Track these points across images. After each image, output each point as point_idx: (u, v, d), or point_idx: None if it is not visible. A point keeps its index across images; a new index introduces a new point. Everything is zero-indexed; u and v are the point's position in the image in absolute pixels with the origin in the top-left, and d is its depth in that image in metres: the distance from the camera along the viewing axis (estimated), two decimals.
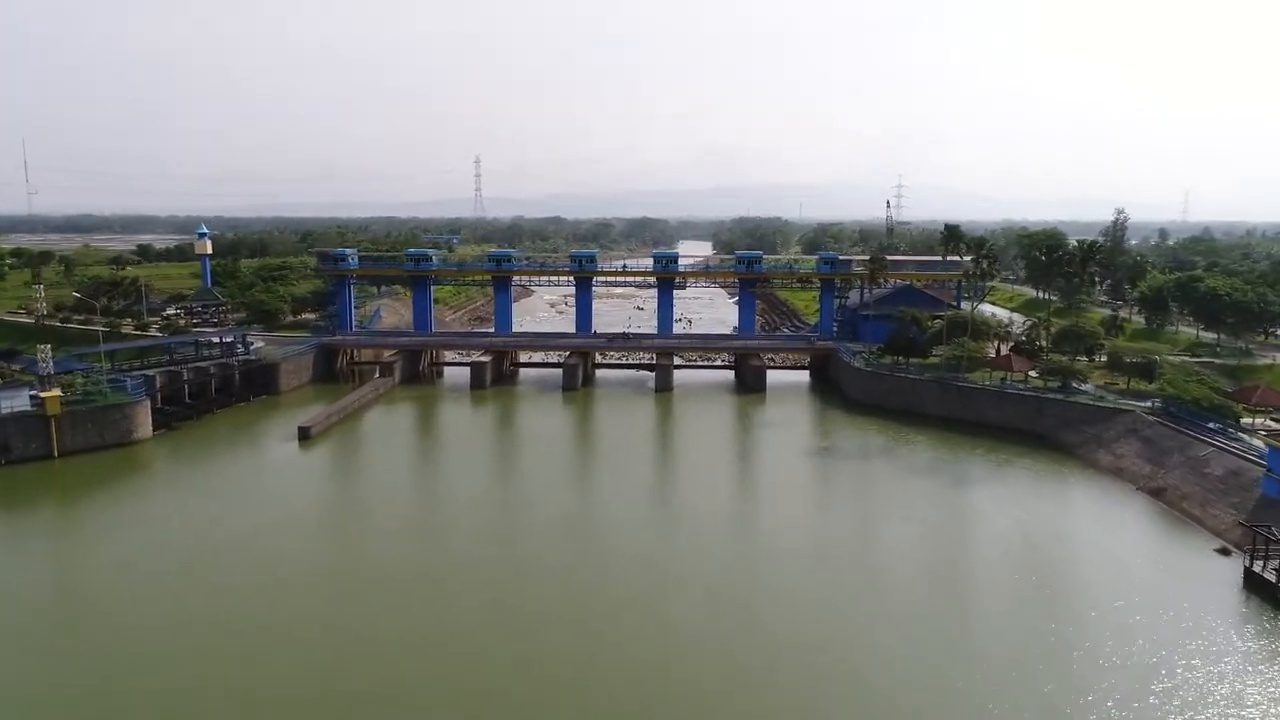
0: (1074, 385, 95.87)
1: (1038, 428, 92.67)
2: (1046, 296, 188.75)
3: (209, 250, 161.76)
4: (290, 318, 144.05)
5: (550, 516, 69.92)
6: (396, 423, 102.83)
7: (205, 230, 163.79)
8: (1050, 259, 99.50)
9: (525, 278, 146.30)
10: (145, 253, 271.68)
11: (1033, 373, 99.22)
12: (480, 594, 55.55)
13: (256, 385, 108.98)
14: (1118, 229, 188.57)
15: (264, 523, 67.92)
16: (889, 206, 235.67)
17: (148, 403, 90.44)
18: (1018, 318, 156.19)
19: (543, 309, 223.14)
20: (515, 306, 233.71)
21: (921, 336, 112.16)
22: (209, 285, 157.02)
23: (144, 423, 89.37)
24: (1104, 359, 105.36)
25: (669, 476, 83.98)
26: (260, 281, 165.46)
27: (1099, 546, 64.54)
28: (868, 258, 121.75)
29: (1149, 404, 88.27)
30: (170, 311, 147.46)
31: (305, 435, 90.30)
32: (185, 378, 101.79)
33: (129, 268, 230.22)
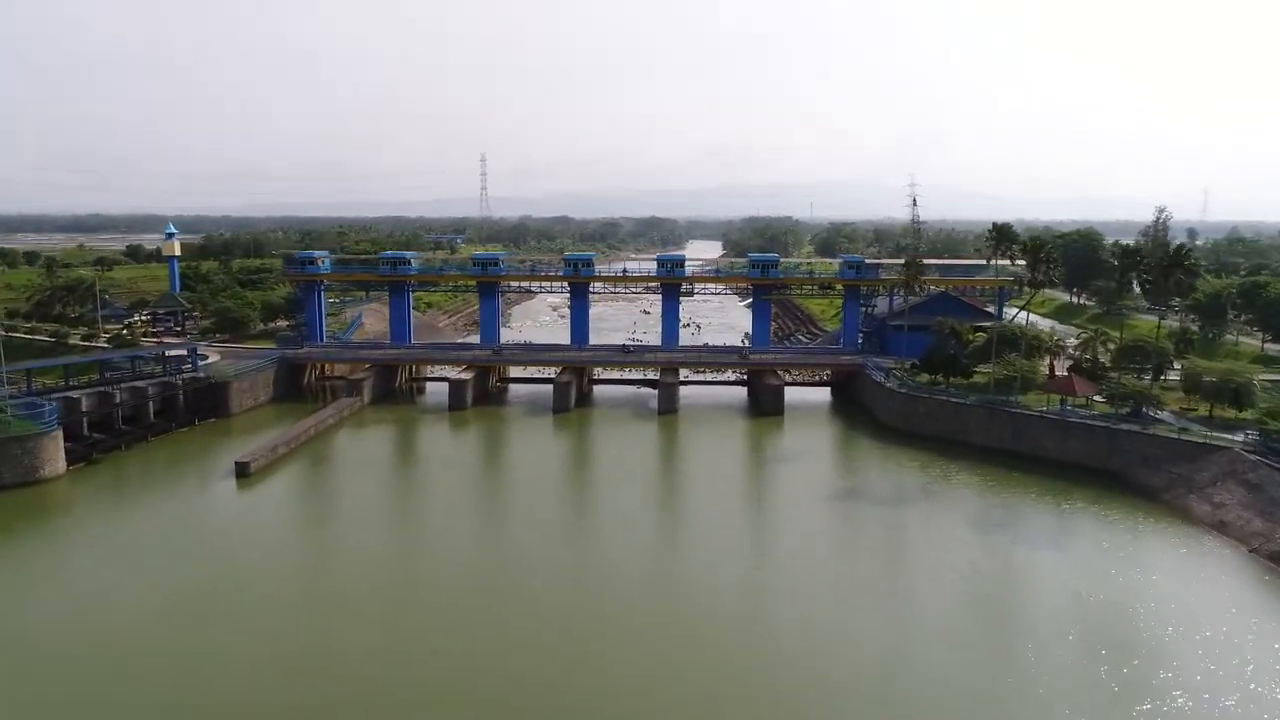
0: (1148, 413, 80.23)
1: (1109, 465, 76.93)
2: (1082, 301, 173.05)
3: (177, 251, 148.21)
4: (261, 326, 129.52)
5: (533, 579, 55.80)
6: (357, 453, 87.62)
7: (173, 229, 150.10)
8: (1125, 263, 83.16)
9: (521, 282, 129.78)
10: (135, 253, 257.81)
11: (1098, 397, 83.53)
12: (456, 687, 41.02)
13: (203, 407, 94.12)
14: (1159, 228, 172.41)
15: (171, 593, 53.46)
16: (914, 205, 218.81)
17: (59, 433, 75.53)
18: (1058, 327, 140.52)
19: (545, 312, 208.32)
20: (516, 310, 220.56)
21: (962, 351, 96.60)
22: (176, 290, 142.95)
23: (54, 458, 74.56)
24: (1171, 379, 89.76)
25: (667, 529, 68.38)
26: (238, 285, 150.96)
27: (1218, 644, 48.66)
28: (902, 261, 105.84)
29: (1244, 437, 72.60)
30: (131, 319, 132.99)
31: (243, 472, 75.33)
32: (118, 399, 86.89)
33: (115, 269, 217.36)
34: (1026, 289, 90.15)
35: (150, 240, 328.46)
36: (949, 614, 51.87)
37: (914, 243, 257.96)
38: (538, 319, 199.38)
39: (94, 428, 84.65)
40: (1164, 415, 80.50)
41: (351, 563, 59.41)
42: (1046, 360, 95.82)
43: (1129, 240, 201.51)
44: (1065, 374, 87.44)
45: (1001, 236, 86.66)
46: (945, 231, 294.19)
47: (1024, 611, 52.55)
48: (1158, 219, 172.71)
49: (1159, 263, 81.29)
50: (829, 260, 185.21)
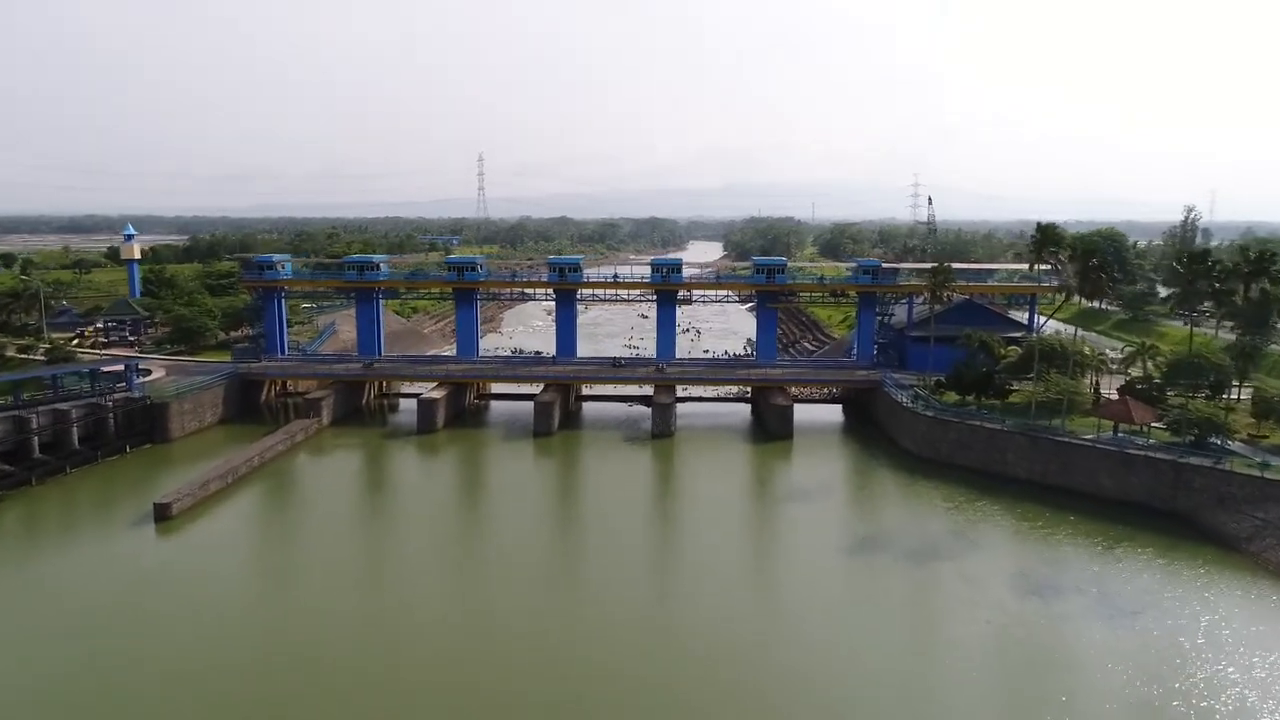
0: (1218, 443, 68.13)
1: (1176, 505, 64.88)
2: (1104, 306, 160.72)
3: (136, 255, 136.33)
4: (223, 336, 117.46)
5: (510, 648, 45.58)
6: (305, 488, 75.64)
7: (131, 230, 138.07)
8: (1194, 270, 71.02)
9: (501, 289, 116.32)
10: (116, 255, 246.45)
11: (1157, 423, 71.41)
12: None
13: (138, 431, 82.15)
14: (1188, 228, 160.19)
15: (50, 675, 42.46)
16: (929, 204, 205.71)
17: None
18: (1084, 335, 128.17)
19: (539, 317, 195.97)
20: (508, 314, 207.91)
21: (994, 367, 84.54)
22: (136, 295, 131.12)
23: None
24: (1230, 399, 77.69)
25: (659, 587, 56.21)
26: (206, 291, 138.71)
27: None
28: (918, 265, 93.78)
29: None
30: (85, 328, 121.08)
31: (164, 514, 63.39)
32: (34, 424, 74.88)
33: (94, 271, 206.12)
34: (1076, 299, 77.61)
35: (158, 241, 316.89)
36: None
37: (921, 244, 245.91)
38: (530, 324, 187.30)
39: (5, 458, 72.70)
40: (1235, 445, 68.45)
41: (288, 631, 48.15)
42: (1089, 378, 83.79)
43: (1139, 240, 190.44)
44: (1117, 396, 75.27)
45: (1046, 238, 74.37)
46: (953, 231, 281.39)
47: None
48: (1186, 219, 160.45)
49: (1235, 268, 68.98)
50: (839, 264, 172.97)
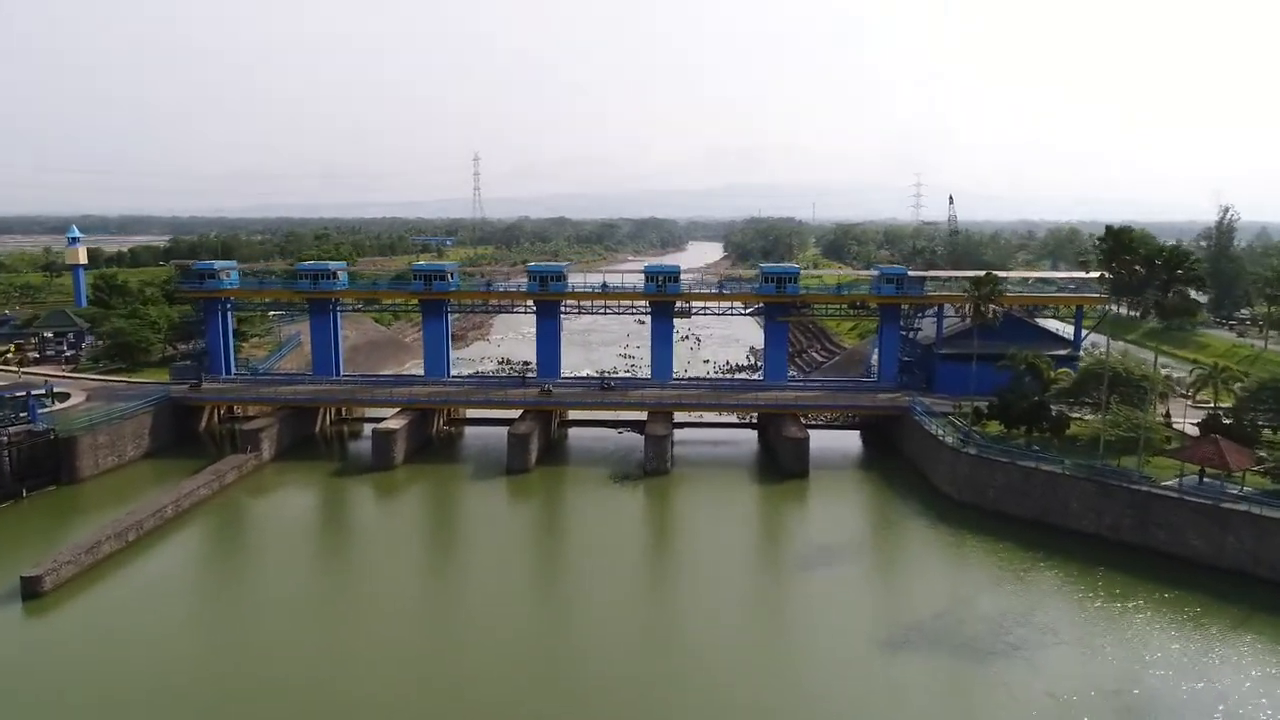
0: None
1: None
2: (1130, 313, 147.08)
3: (81, 260, 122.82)
4: (171, 350, 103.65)
5: None
6: (225, 548, 61.46)
7: (76, 233, 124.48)
8: None
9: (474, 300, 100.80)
10: (94, 258, 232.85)
11: (1254, 468, 57.80)
12: None
13: (40, 471, 68.54)
14: (1223, 230, 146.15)
15: None
16: (951, 203, 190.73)
17: None
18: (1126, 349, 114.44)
19: (531, 322, 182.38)
20: (497, 320, 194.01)
21: (1041, 393, 70.90)
22: (81, 304, 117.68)
23: None
24: None
25: (647, 697, 42.80)
26: (161, 300, 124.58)
27: None
28: (937, 272, 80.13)
29: None
30: (17, 343, 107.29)
31: (35, 590, 50.01)
32: None
33: (65, 275, 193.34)
34: (1153, 318, 64.04)
35: (129, 242, 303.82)
36: None
37: (930, 245, 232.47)
38: (520, 330, 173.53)
39: None
40: None
41: None
42: (1155, 407, 70.08)
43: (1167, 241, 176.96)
44: (1197, 431, 61.64)
45: (1118, 245, 60.78)
46: (960, 233, 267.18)
47: None
48: (1222, 219, 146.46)
49: None
50: (856, 271, 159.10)
